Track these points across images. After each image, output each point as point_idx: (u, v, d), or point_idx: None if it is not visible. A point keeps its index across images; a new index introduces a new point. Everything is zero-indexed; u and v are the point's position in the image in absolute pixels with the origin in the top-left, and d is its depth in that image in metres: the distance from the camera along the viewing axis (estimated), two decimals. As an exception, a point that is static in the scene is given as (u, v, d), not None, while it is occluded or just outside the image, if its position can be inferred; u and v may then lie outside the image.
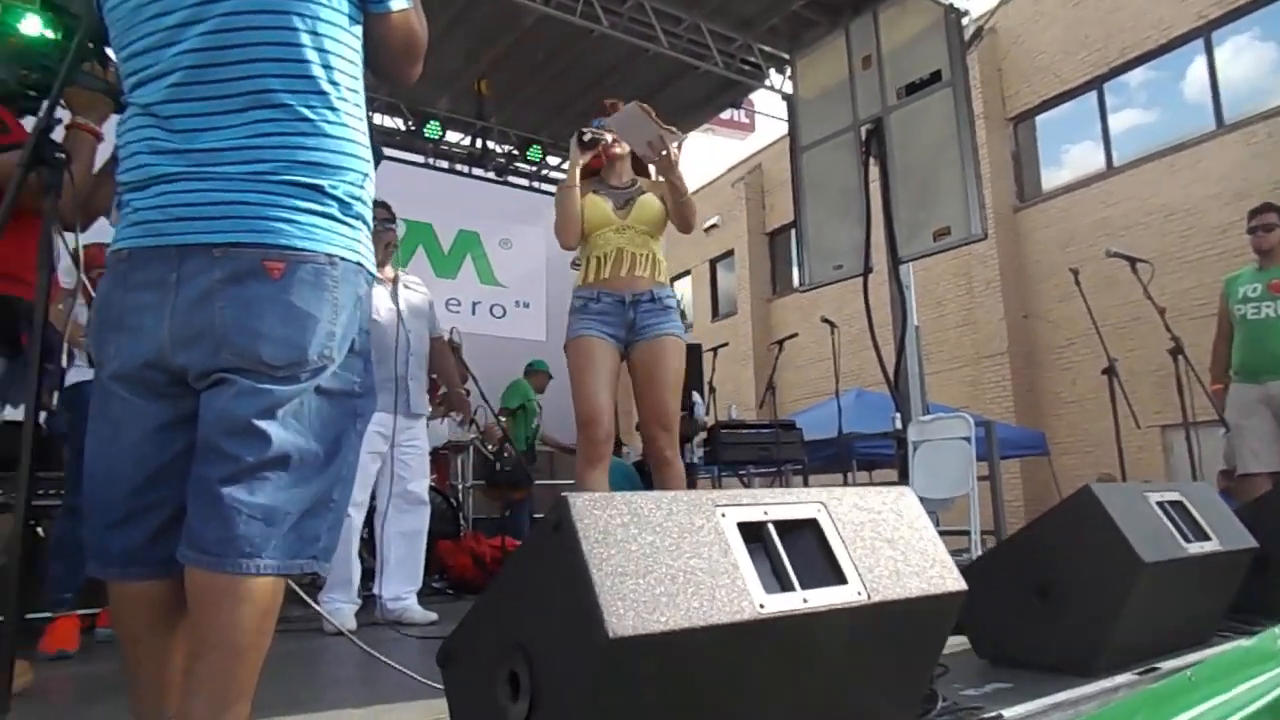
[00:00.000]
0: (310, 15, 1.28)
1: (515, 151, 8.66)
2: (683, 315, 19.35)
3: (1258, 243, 4.45)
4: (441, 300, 7.76)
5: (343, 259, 1.28)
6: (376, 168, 1.47)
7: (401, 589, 3.75)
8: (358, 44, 1.37)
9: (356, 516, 3.63)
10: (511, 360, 7.74)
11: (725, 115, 14.04)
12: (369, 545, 4.32)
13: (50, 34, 1.82)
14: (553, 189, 9.19)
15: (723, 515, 1.25)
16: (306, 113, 1.26)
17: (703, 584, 1.15)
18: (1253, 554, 2.39)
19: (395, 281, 3.79)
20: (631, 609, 1.07)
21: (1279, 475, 4.14)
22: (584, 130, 3.05)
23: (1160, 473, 10.26)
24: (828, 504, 1.38)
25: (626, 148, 3.10)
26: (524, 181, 8.97)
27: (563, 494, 1.14)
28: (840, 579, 1.30)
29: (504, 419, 5.95)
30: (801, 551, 1.31)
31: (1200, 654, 2.18)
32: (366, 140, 1.37)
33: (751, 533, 1.27)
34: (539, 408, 6.79)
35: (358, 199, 1.33)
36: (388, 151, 8.11)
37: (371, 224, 1.39)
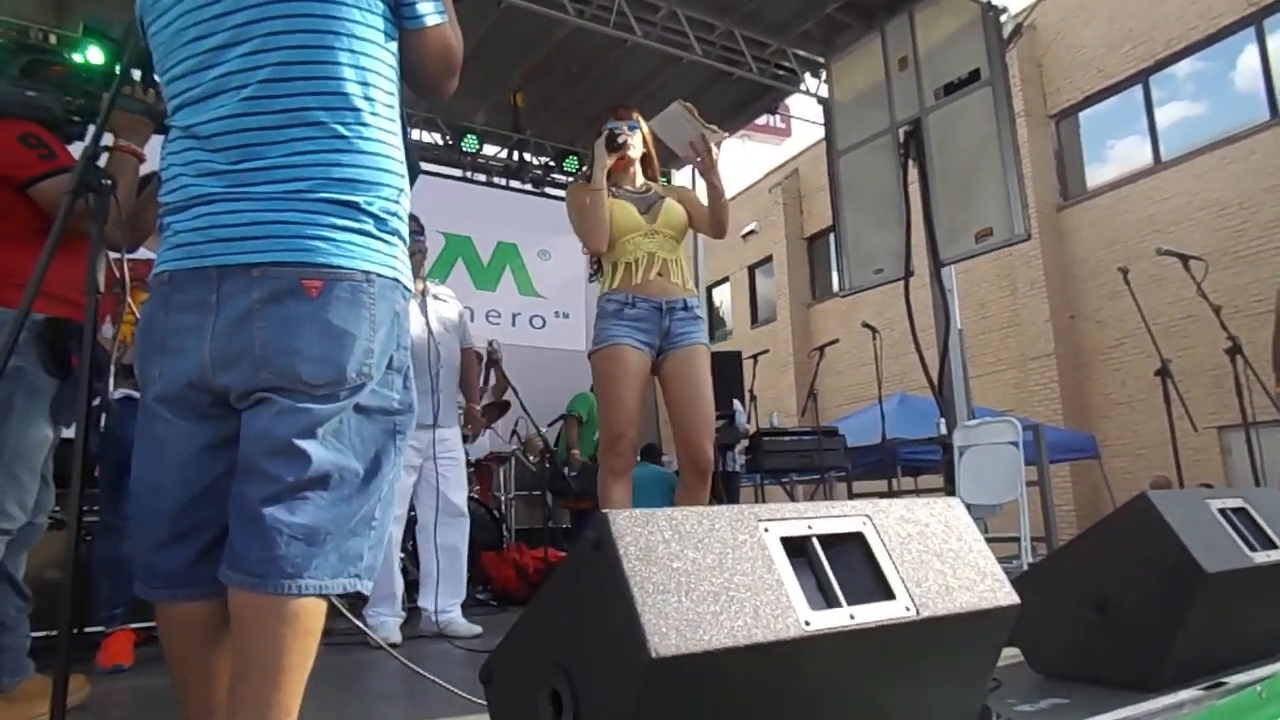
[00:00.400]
0: (347, 33, 1.29)
1: (552, 163, 8.71)
2: (722, 323, 19.33)
3: None
4: (482, 312, 7.83)
5: (379, 275, 1.28)
6: (413, 182, 1.47)
7: (446, 602, 3.76)
8: (393, 59, 1.38)
9: (395, 530, 3.66)
10: (552, 371, 7.76)
11: (761, 121, 14.00)
12: (413, 558, 4.35)
13: (96, 60, 1.87)
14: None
15: (765, 530, 1.23)
16: (341, 129, 1.27)
17: (746, 601, 1.13)
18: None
19: (424, 294, 3.81)
20: (674, 628, 1.05)
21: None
22: (616, 131, 3.01)
23: (1218, 475, 9.95)
24: (873, 516, 1.35)
25: (639, 151, 3.08)
26: (561, 192, 9.01)
27: (603, 510, 1.13)
28: (888, 594, 1.27)
29: (545, 430, 5.95)
30: (847, 566, 1.28)
31: (1271, 668, 2.10)
32: (401, 155, 1.37)
33: (795, 547, 1.25)
34: None
35: (393, 214, 1.33)
36: (426, 166, 8.21)
37: (407, 239, 1.39)
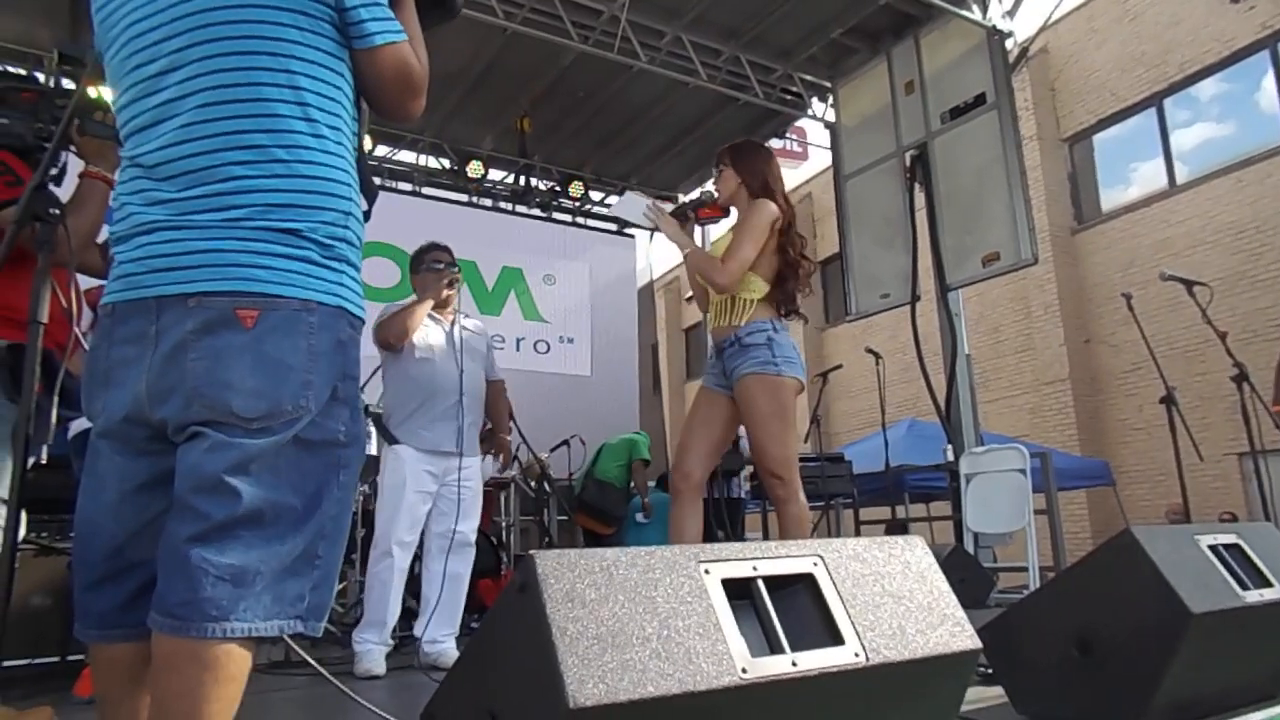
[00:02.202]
0: (284, 54, 1.26)
1: (558, 187, 8.74)
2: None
3: None
4: (486, 337, 7.85)
5: (321, 304, 1.25)
6: (371, 203, 1.44)
7: (439, 632, 3.70)
8: (343, 81, 1.35)
9: (400, 558, 3.59)
10: (556, 396, 7.75)
11: (778, 145, 13.98)
12: (413, 586, 4.30)
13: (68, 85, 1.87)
14: (595, 223, 9.34)
15: (706, 572, 1.19)
16: (281, 154, 1.25)
17: (679, 648, 1.09)
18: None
19: (454, 323, 3.80)
20: (597, 676, 1.00)
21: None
22: (688, 203, 3.35)
23: (1240, 503, 9.73)
24: (825, 557, 1.30)
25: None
26: (567, 217, 9.04)
27: (531, 552, 1.09)
28: (836, 639, 1.22)
29: (547, 456, 5.92)
30: (794, 610, 1.23)
31: (1266, 712, 2.02)
32: (351, 179, 1.34)
33: (738, 590, 1.20)
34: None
35: (340, 240, 1.30)
36: (432, 192, 8.27)
37: (359, 265, 1.37)
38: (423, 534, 3.72)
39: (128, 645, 1.25)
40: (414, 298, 3.69)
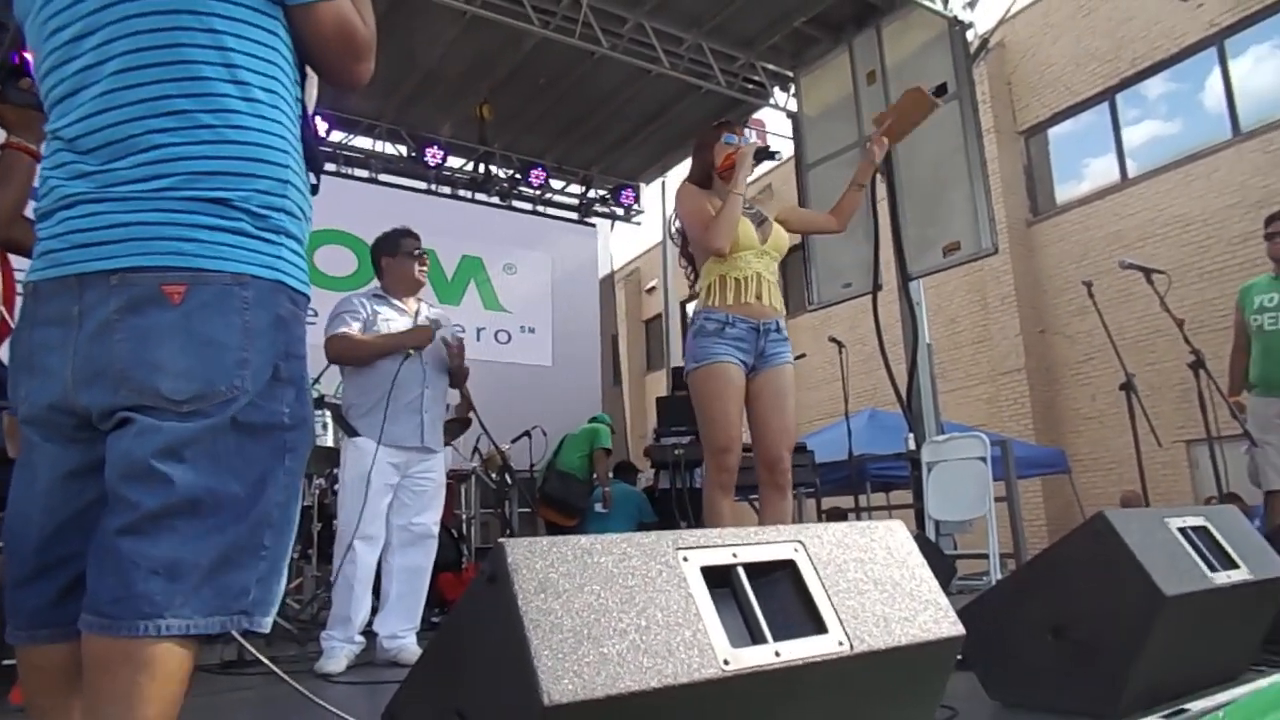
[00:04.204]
0: (206, 12, 1.17)
1: (518, 175, 8.63)
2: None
3: (1274, 249, 4.29)
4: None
5: (256, 278, 1.17)
6: (318, 172, 1.35)
7: (399, 627, 3.61)
8: (278, 40, 1.25)
9: (365, 552, 3.48)
10: (517, 386, 7.66)
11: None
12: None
13: None
14: (558, 213, 9.24)
15: (685, 559, 1.13)
16: (207, 119, 1.16)
17: (659, 639, 1.03)
18: (1285, 581, 2.22)
19: (416, 314, 3.70)
20: (573, 671, 0.94)
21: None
22: (769, 146, 3.07)
23: (1186, 490, 9.98)
24: (806, 543, 1.26)
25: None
26: (527, 206, 8.93)
27: (500, 540, 1.02)
28: (819, 628, 1.17)
29: (508, 447, 5.84)
30: (776, 598, 1.18)
31: (1232, 692, 2.02)
32: (290, 145, 1.25)
33: (718, 578, 1.15)
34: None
35: (278, 209, 1.21)
36: (389, 179, 8.11)
37: (303, 238, 1.28)
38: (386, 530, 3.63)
39: (58, 647, 1.16)
40: (387, 334, 3.53)
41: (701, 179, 3.14)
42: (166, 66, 1.14)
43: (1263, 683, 2.11)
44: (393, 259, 3.69)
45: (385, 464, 3.44)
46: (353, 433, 3.49)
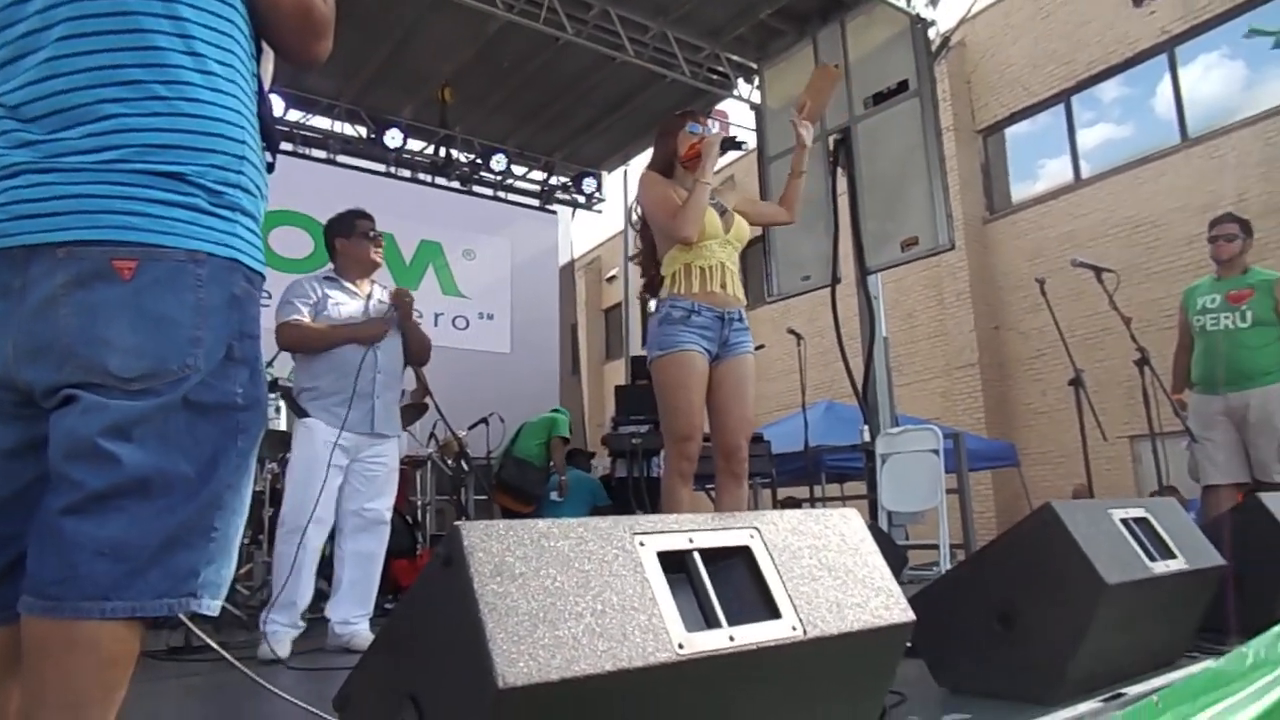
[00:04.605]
0: None
1: (479, 160, 8.54)
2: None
3: (1217, 252, 4.42)
4: (403, 312, 7.62)
5: (211, 255, 1.14)
6: (274, 153, 1.33)
7: (352, 613, 3.57)
8: (233, 11, 1.22)
9: (315, 535, 3.44)
10: (474, 373, 7.60)
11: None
12: (327, 566, 4.13)
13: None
14: (519, 198, 9.17)
15: (641, 544, 1.13)
16: (161, 90, 1.12)
17: (614, 623, 1.03)
18: (1220, 572, 2.30)
19: (369, 297, 3.64)
20: (528, 654, 0.94)
21: (1244, 487, 4.10)
22: (735, 136, 3.10)
23: (1130, 484, 10.27)
24: (762, 530, 1.27)
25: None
26: (488, 191, 8.85)
27: (456, 524, 1.02)
28: (773, 613, 1.18)
29: (465, 433, 5.80)
30: (731, 583, 1.19)
31: (1167, 677, 2.09)
32: (246, 120, 1.22)
33: (674, 563, 1.16)
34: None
35: (234, 186, 1.18)
36: (348, 160, 7.97)
37: (259, 215, 1.25)
38: (337, 515, 3.58)
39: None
40: (342, 325, 3.48)
41: (664, 167, 3.16)
42: (119, 35, 1.11)
43: (1195, 669, 2.18)
44: (347, 240, 3.63)
45: (336, 447, 3.40)
46: (302, 414, 3.44)
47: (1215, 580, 2.31)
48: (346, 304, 3.55)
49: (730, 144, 3.07)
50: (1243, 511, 2.66)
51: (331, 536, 3.71)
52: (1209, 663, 2.22)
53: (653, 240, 3.13)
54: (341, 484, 3.50)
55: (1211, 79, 10.94)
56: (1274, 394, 4.15)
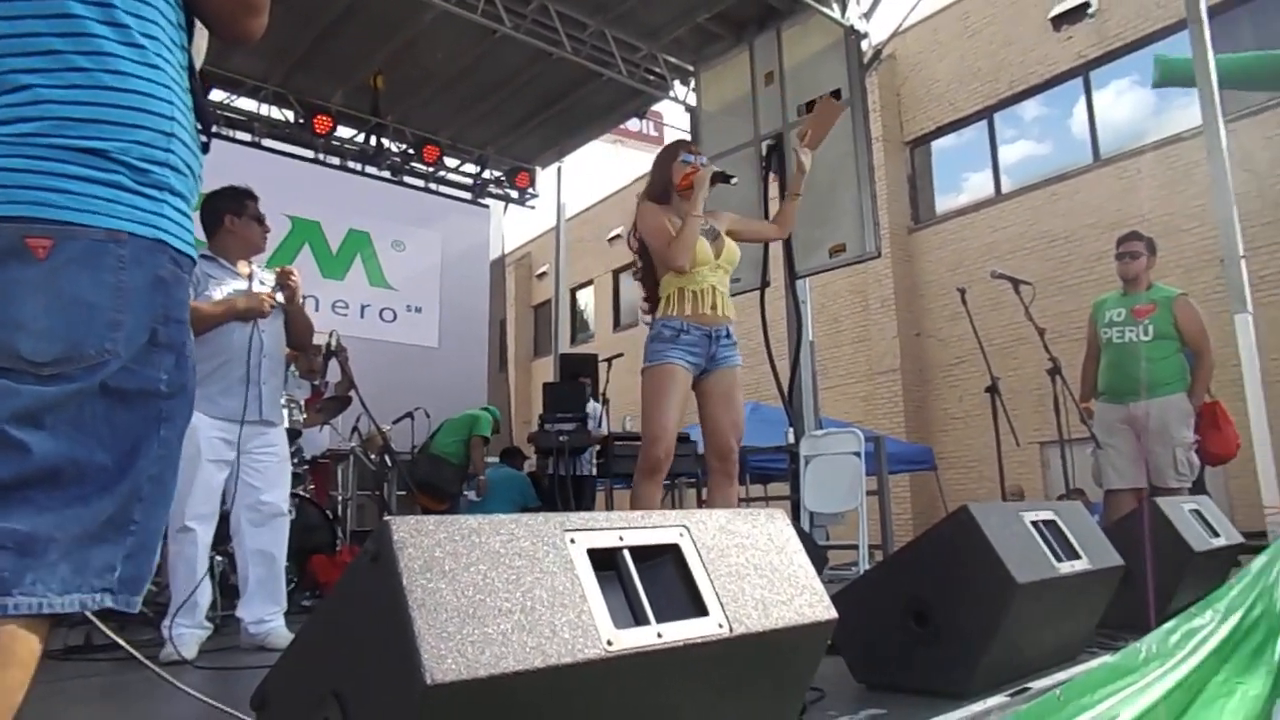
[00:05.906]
0: None
1: (411, 150, 8.38)
2: (585, 325, 19.49)
3: (1123, 269, 4.65)
4: (328, 302, 7.44)
5: (133, 235, 1.09)
6: (208, 133, 1.28)
7: (265, 611, 3.45)
8: None
9: (203, 532, 3.30)
10: (401, 366, 7.47)
11: (634, 127, 14.06)
12: (234, 563, 4.00)
13: None
14: (451, 191, 9.06)
15: (571, 541, 1.14)
16: (81, 61, 1.07)
17: (544, 620, 1.03)
18: (1119, 571, 2.43)
19: (250, 277, 3.49)
20: (456, 650, 0.94)
21: (1141, 491, 4.31)
22: (725, 171, 3.37)
23: (1038, 488, 10.70)
24: (691, 528, 1.28)
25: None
26: (419, 182, 8.70)
27: (385, 519, 1.00)
28: (701, 611, 1.20)
29: (389, 428, 5.70)
30: (660, 581, 1.21)
31: (1069, 672, 2.19)
32: (176, 96, 1.17)
33: (604, 561, 1.16)
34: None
35: (160, 164, 1.13)
36: (275, 145, 7.74)
37: (190, 195, 1.21)
38: (231, 509, 3.45)
39: None
40: (223, 298, 3.33)
41: (660, 193, 3.40)
42: (33, 2, 1.05)
43: (1094, 663, 2.29)
44: (238, 219, 3.48)
45: (217, 440, 3.26)
46: None
47: (1115, 579, 2.43)
48: (229, 284, 3.40)
49: (721, 178, 3.32)
50: (1136, 516, 2.82)
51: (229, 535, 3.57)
52: (1106, 657, 2.34)
53: (651, 263, 3.38)
54: (228, 477, 3.37)
55: (1123, 104, 11.49)
56: (1172, 404, 4.38)
